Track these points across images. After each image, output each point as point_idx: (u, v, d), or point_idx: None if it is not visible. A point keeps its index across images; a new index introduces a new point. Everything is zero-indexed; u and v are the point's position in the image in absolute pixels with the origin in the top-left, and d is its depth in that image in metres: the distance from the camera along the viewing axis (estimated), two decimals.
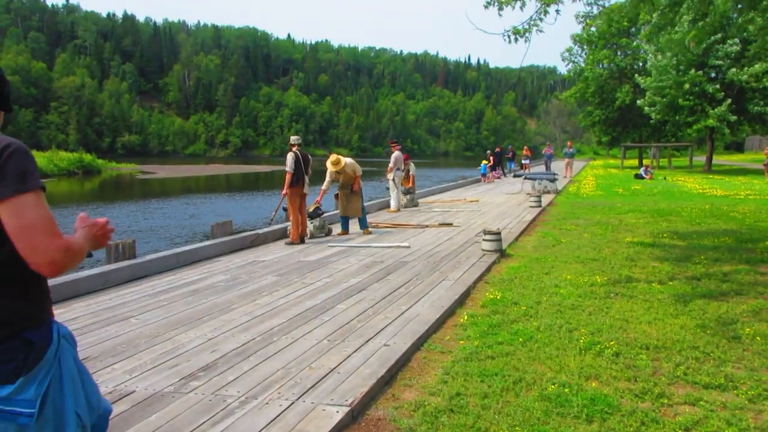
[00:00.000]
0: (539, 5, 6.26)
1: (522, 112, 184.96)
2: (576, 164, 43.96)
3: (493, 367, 4.27)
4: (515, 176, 27.76)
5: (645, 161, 40.44)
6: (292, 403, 3.56)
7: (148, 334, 5.06)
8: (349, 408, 3.50)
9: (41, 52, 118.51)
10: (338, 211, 14.35)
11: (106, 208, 23.30)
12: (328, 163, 11.32)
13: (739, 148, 78.63)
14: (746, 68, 29.89)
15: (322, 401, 3.59)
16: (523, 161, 36.35)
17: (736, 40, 30.15)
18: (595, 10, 9.12)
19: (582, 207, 15.70)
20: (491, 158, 30.37)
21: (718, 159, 56.39)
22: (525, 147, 40.86)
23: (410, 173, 16.48)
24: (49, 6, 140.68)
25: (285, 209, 10.72)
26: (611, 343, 4.73)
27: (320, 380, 3.93)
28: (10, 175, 1.61)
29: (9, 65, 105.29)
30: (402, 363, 4.37)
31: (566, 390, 3.82)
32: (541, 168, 32.63)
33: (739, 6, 9.48)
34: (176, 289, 6.89)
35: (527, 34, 6.55)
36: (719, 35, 29.67)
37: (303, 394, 3.69)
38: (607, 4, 8.33)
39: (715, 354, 4.51)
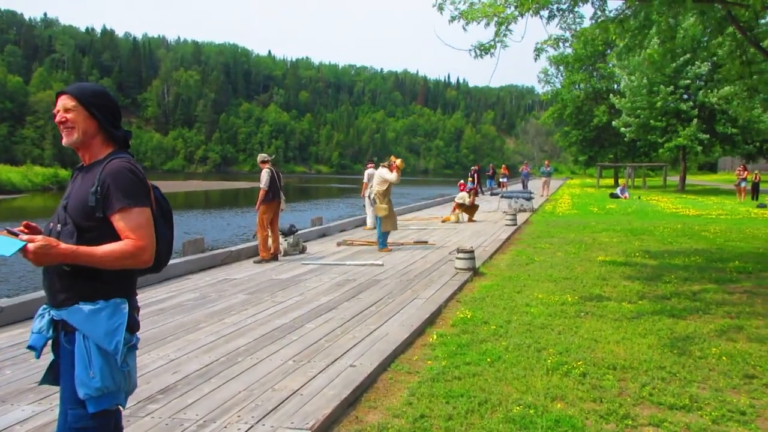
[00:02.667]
0: (498, 22, 6.31)
1: (501, 131, 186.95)
2: (553, 183, 44.40)
3: (460, 388, 4.22)
4: (492, 194, 27.90)
5: (621, 180, 40.99)
6: (251, 427, 3.47)
7: None
8: (310, 431, 3.42)
9: (17, 66, 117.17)
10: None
11: None
12: (395, 170, 11.19)
13: (712, 168, 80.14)
14: (716, 90, 30.54)
15: (282, 425, 3.51)
16: (501, 179, 36.62)
17: (707, 63, 30.85)
18: (568, 34, 9.25)
19: (557, 226, 15.81)
20: (476, 176, 30.52)
21: (692, 179, 57.42)
22: (503, 165, 41.20)
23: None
24: (27, 19, 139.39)
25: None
26: (579, 363, 4.71)
27: (282, 402, 3.84)
28: None
29: None
30: (367, 384, 4.30)
31: (531, 411, 3.79)
32: (519, 186, 32.88)
33: (708, 30, 9.69)
34: (142, 308, 6.70)
35: (492, 50, 6.61)
36: (688, 56, 30.34)
37: (263, 418, 3.60)
38: (577, 29, 8.44)
39: (681, 374, 4.52)
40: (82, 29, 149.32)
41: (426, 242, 12.20)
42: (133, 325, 2.36)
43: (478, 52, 6.64)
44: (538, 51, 6.98)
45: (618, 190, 29.94)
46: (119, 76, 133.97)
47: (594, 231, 14.36)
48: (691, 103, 32.97)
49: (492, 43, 6.61)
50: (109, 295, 2.28)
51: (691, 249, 11.21)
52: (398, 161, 11.45)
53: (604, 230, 14.48)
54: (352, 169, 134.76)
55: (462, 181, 29.35)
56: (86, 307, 2.24)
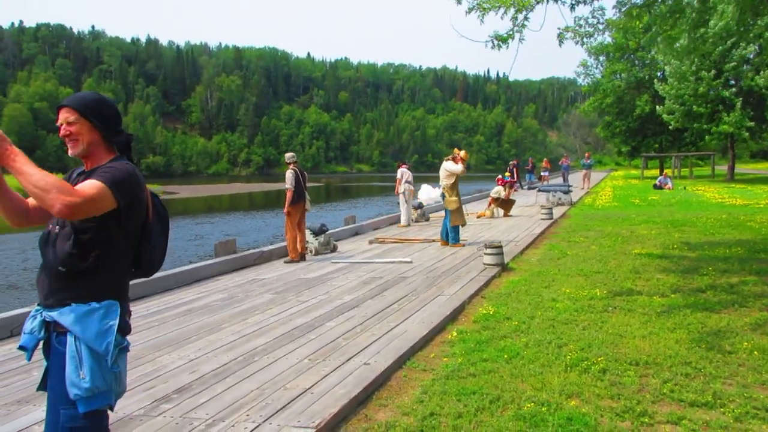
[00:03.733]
0: (514, 11, 6.17)
1: (543, 124, 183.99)
2: (596, 175, 43.52)
3: (473, 385, 4.15)
4: (530, 188, 27.47)
5: (667, 170, 39.85)
6: (258, 426, 3.49)
7: (132, 357, 5.01)
8: (314, 430, 3.42)
9: (68, 78, 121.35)
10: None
11: None
12: (459, 161, 11.15)
13: (766, 156, 77.05)
14: (762, 73, 29.31)
15: (289, 423, 3.52)
16: (542, 173, 36.03)
17: (754, 45, 29.63)
18: (596, 31, 8.98)
19: (595, 219, 15.45)
20: (514, 170, 30.11)
21: (744, 168, 55.37)
22: (544, 159, 40.56)
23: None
24: (76, 33, 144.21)
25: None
26: (599, 359, 4.58)
27: (291, 401, 3.85)
28: None
29: (37, 92, 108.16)
30: (380, 382, 4.28)
31: (543, 409, 3.69)
32: (559, 180, 32.28)
33: (743, 13, 9.27)
34: (171, 309, 6.89)
35: (510, 40, 6.48)
36: (734, 39, 29.21)
37: (270, 417, 3.62)
38: (600, 20, 8.19)
39: (706, 370, 4.34)
40: (128, 40, 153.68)
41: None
42: (124, 328, 2.40)
43: (496, 42, 6.51)
44: (561, 37, 6.80)
45: (658, 181, 29.05)
46: (164, 83, 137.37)
47: (633, 223, 13.98)
48: (734, 89, 31.74)
49: (510, 32, 6.48)
50: (102, 297, 2.32)
51: (734, 240, 10.79)
52: (462, 152, 11.35)
53: (644, 222, 14.08)
54: (393, 168, 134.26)
55: (500, 176, 28.96)
56: (78, 309, 2.28)
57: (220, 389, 4.15)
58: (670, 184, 28.40)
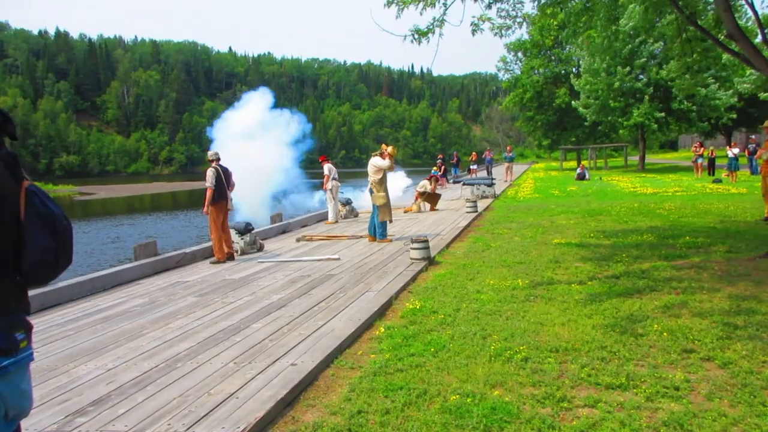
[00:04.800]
0: (433, 8, 6.25)
1: (467, 118, 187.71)
2: (518, 168, 44.89)
3: (400, 380, 4.18)
4: (455, 182, 27.97)
5: (584, 162, 41.55)
6: None
7: (45, 368, 4.77)
8: None
9: None
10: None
11: None
12: (387, 157, 11.07)
13: (673, 146, 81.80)
14: (665, 67, 31.13)
15: (213, 430, 3.42)
16: (471, 167, 36.75)
17: (660, 42, 31.38)
18: (514, 23, 9.23)
19: (517, 210, 15.92)
20: (441, 165, 30.53)
21: (653, 158, 58.53)
22: (473, 153, 41.40)
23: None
24: None
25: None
26: (522, 348, 4.72)
27: (216, 407, 3.76)
28: None
29: None
30: (308, 382, 4.24)
31: (468, 400, 3.77)
32: (483, 173, 33.05)
33: (647, 10, 9.77)
34: (87, 316, 6.57)
35: (431, 34, 6.55)
36: (642, 37, 30.84)
37: (194, 424, 3.51)
38: (518, 14, 8.43)
39: (621, 353, 4.55)
40: (35, 32, 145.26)
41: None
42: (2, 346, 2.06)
43: (416, 36, 6.57)
44: (475, 27, 6.92)
45: (578, 172, 30.30)
46: (76, 78, 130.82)
47: (553, 214, 14.50)
48: (645, 80, 33.54)
49: (430, 27, 6.55)
50: None
51: (646, 227, 11.38)
52: (390, 148, 11.33)
53: (563, 213, 14.63)
54: (319, 164, 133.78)
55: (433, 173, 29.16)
56: None
57: (141, 398, 3.99)
58: (587, 176, 29.66)
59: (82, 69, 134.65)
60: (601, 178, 29.35)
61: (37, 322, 6.42)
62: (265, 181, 17.54)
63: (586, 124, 38.74)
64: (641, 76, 33.99)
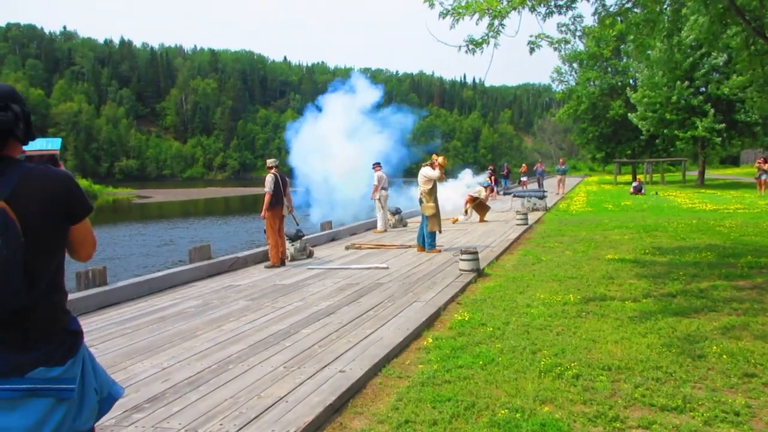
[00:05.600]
0: (489, 18, 6.22)
1: (519, 129, 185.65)
2: (571, 181, 44.07)
3: (448, 392, 4.16)
4: (505, 194, 27.66)
5: (639, 176, 40.48)
6: None
7: (104, 364, 4.91)
8: None
9: (39, 79, 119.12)
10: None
11: (105, 232, 23.20)
12: (437, 167, 11.06)
13: (735, 162, 78.77)
14: (729, 80, 30.03)
15: None
16: (521, 178, 36.27)
17: (723, 54, 30.33)
18: (575, 37, 9.10)
19: (569, 224, 15.63)
20: (492, 176, 30.20)
21: (713, 173, 56.51)
22: (523, 164, 40.88)
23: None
24: (47, 33, 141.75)
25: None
26: (573, 364, 4.63)
27: (266, 410, 3.82)
28: (82, 200, 2.08)
29: None
30: (356, 390, 4.27)
31: (517, 415, 3.72)
32: (534, 185, 32.59)
33: (712, 21, 9.49)
34: (144, 316, 6.79)
35: (485, 45, 6.53)
36: (704, 49, 29.91)
37: (244, 426, 3.58)
38: (578, 28, 8.31)
39: (677, 374, 4.41)
40: (101, 41, 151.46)
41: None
42: None
43: (470, 47, 6.56)
44: (533, 44, 6.85)
45: (633, 186, 29.52)
46: (138, 86, 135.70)
47: (606, 229, 14.17)
48: (701, 98, 32.48)
49: (485, 37, 6.53)
50: None
51: (704, 245, 10.99)
52: (440, 158, 11.31)
53: (617, 227, 14.28)
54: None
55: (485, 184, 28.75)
56: None
57: (194, 398, 4.10)
58: (642, 190, 28.87)
59: (143, 77, 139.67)
60: (657, 193, 28.51)
61: (96, 319, 6.69)
62: (348, 185, 17.19)
63: (642, 137, 37.77)
64: (702, 89, 32.93)
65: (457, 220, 17.02)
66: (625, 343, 5.18)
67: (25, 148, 2.20)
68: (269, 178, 10.23)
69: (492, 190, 28.50)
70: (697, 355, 4.83)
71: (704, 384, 4.25)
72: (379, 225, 15.36)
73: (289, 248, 10.82)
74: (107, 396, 2.24)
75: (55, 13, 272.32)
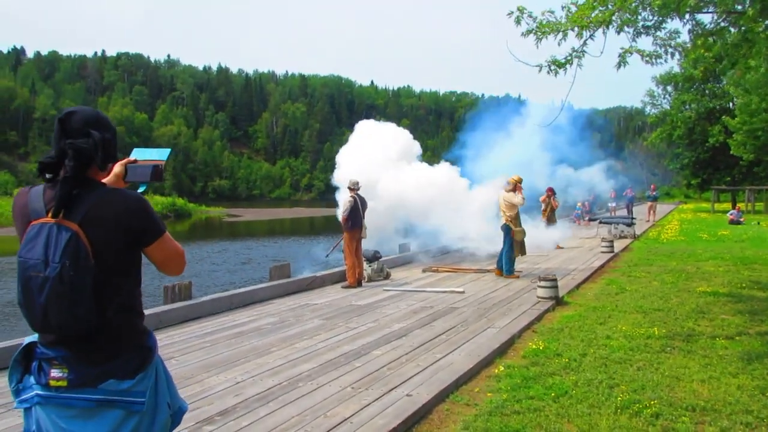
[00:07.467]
0: (575, 35, 6.05)
1: (608, 154, 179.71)
2: (663, 207, 42.01)
3: (517, 423, 4.04)
4: (590, 220, 26.68)
5: (740, 205, 38.04)
6: None
7: (182, 376, 5.16)
8: None
9: (144, 104, 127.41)
10: (506, 253, 11.23)
11: (197, 248, 24.39)
12: (519, 191, 10.91)
13: None
14: None
15: None
16: (610, 204, 34.92)
17: None
18: (666, 53, 8.74)
19: (659, 253, 14.88)
20: (586, 202, 29.22)
21: None
22: (611, 190, 39.38)
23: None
24: (152, 61, 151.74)
25: (342, 251, 10.81)
26: (653, 402, 4.38)
27: (330, 430, 3.85)
28: (152, 224, 2.11)
29: (115, 116, 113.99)
30: (421, 415, 4.23)
31: None
32: (623, 212, 31.29)
33: None
34: (223, 330, 7.04)
35: (569, 65, 6.37)
36: None
37: None
38: (672, 44, 7.98)
39: None
40: (200, 68, 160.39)
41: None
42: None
43: (553, 67, 6.43)
44: (622, 59, 6.60)
45: (730, 214, 27.72)
46: (232, 110, 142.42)
47: (699, 259, 13.38)
48: None
49: (569, 58, 6.39)
50: None
51: None
52: (515, 176, 11.07)
53: (711, 258, 13.45)
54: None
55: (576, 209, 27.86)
56: None
57: (263, 413, 4.19)
58: (741, 220, 27.09)
59: (238, 101, 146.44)
60: (758, 223, 26.66)
61: (180, 332, 6.99)
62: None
63: (742, 162, 35.52)
64: None
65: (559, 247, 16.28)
66: (713, 383, 4.85)
67: (134, 155, 2.42)
68: (348, 202, 10.38)
69: (583, 216, 27.49)
70: None
71: None
72: None
73: (366, 269, 10.91)
74: (177, 410, 2.32)
75: (161, 42, 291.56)
